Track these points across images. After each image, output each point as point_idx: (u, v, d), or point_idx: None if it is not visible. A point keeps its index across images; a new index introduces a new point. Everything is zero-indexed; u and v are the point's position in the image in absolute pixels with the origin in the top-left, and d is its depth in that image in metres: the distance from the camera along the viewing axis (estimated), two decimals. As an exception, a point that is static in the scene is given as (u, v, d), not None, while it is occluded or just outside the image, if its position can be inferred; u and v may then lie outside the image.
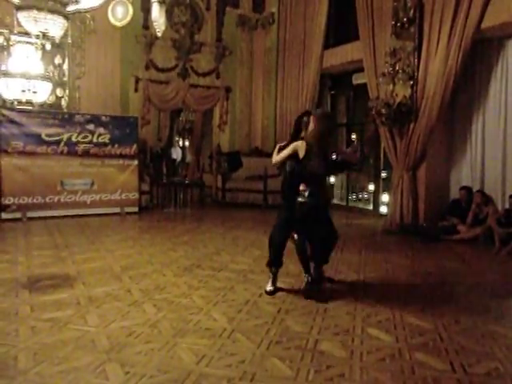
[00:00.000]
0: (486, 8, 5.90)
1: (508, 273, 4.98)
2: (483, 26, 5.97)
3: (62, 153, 7.52)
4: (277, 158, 3.89)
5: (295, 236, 3.99)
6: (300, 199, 3.76)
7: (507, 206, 6.09)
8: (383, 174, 8.61)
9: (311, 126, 3.77)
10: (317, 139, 3.69)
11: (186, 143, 14.54)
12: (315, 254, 3.88)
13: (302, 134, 3.93)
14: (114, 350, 2.71)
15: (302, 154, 3.68)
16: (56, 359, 2.58)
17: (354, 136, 9.83)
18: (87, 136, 7.70)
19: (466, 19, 6.05)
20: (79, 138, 7.64)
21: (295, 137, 3.96)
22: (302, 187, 3.78)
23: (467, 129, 6.91)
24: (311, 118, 3.82)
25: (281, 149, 3.88)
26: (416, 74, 6.66)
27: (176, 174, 11.81)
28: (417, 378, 2.48)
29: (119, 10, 5.57)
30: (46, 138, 7.38)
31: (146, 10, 8.21)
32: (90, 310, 3.37)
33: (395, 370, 2.56)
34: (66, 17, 4.29)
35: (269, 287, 3.91)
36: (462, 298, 3.95)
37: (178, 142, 14.84)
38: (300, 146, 3.70)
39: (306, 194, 3.73)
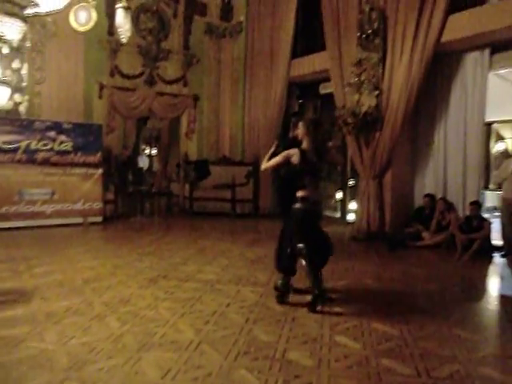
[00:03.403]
0: (444, 23, 6.15)
1: (469, 277, 5.13)
2: (443, 39, 6.21)
3: (20, 161, 7.20)
4: (266, 164, 3.87)
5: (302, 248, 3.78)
6: (300, 205, 3.73)
7: (468, 212, 6.30)
8: (350, 182, 8.74)
9: (301, 133, 3.79)
10: (312, 146, 3.72)
11: (153, 151, 14.33)
12: (316, 259, 3.79)
13: (290, 134, 4.02)
14: (74, 368, 2.57)
15: (296, 160, 3.68)
16: (9, 380, 2.42)
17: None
18: (48, 144, 7.41)
19: (426, 33, 6.27)
20: (39, 146, 7.34)
21: (283, 136, 3.99)
22: (300, 193, 3.75)
23: (430, 138, 7.13)
24: (300, 124, 3.84)
25: (273, 155, 3.87)
26: (381, 84, 6.83)
27: (142, 182, 11.56)
28: (384, 385, 2.48)
29: (82, 15, 5.44)
30: (3, 146, 7.05)
31: (111, 15, 8.06)
32: (47, 327, 3.19)
33: (362, 377, 2.57)
34: (24, 20, 4.13)
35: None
36: (426, 304, 4.02)
37: (144, 150, 14.60)
38: (294, 153, 3.70)
39: (310, 199, 3.72)
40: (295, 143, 3.84)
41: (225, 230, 7.77)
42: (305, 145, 3.76)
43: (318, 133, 3.79)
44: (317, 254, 3.78)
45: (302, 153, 3.70)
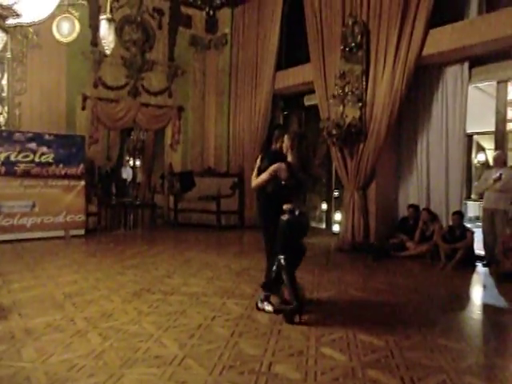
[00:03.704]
0: (425, 37, 6.28)
1: (453, 287, 5.17)
2: (424, 53, 6.34)
3: (-2, 173, 7.04)
4: (257, 181, 3.82)
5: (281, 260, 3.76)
6: (286, 217, 3.71)
7: (451, 222, 6.38)
8: (335, 193, 8.79)
9: (286, 146, 3.78)
10: (297, 160, 3.72)
11: (137, 163, 14.19)
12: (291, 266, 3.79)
13: (273, 147, 4.01)
14: (53, 387, 2.48)
15: (284, 176, 3.66)
16: (-16, 400, 2.32)
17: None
18: (28, 155, 7.26)
19: (408, 47, 6.40)
20: (19, 158, 7.18)
21: (266, 149, 4.00)
22: (286, 206, 3.73)
23: (413, 150, 7.23)
24: (285, 137, 3.84)
25: (260, 171, 3.84)
26: (364, 96, 6.92)
27: (126, 194, 11.44)
28: (372, 398, 2.46)
29: (65, 26, 5.39)
30: (-19, 158, 6.90)
31: (95, 26, 8.02)
32: (26, 344, 3.08)
33: (350, 390, 2.54)
34: (4, 30, 4.06)
35: (268, 308, 3.84)
36: (411, 314, 4.03)
37: (128, 161, 14.47)
38: (282, 167, 3.68)
39: (296, 211, 3.70)
40: (279, 156, 3.84)
41: (210, 242, 7.71)
42: (290, 158, 3.76)
43: (302, 146, 3.78)
44: (292, 262, 3.80)
45: (289, 167, 3.70)
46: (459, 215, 6.24)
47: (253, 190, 4.12)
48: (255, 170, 3.93)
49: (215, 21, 10.27)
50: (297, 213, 3.71)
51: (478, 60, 6.38)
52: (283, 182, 3.69)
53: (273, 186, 3.79)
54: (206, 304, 4.07)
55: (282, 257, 3.71)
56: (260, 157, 4.07)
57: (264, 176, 3.76)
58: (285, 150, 3.81)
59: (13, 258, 6.05)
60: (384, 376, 2.69)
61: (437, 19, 6.23)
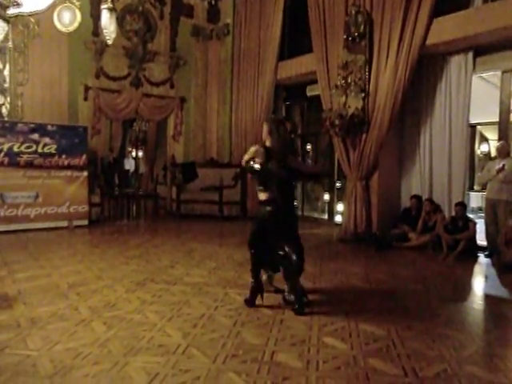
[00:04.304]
0: (429, 27, 6.22)
1: (455, 277, 5.19)
2: (428, 42, 6.29)
3: (2, 164, 7.06)
4: (245, 157, 3.83)
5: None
6: (262, 208, 3.74)
7: (454, 213, 6.37)
8: (338, 184, 8.78)
9: (264, 132, 3.79)
10: (275, 144, 3.71)
11: (140, 154, 14.21)
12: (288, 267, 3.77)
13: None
14: (59, 374, 2.51)
15: (260, 158, 3.66)
16: (-9, 388, 2.36)
17: (309, 147, 9.99)
18: (31, 146, 7.29)
19: (412, 36, 6.34)
20: (22, 148, 7.21)
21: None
22: (262, 196, 3.74)
23: (416, 140, 7.20)
24: (264, 124, 3.85)
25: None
26: (367, 86, 6.88)
27: (129, 185, 11.47)
28: (372, 386, 2.49)
29: (66, 15, 5.36)
30: (-16, 149, 6.93)
31: (96, 16, 7.97)
32: (31, 332, 3.12)
33: (350, 377, 2.57)
34: (6, 20, 4.05)
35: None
36: (413, 304, 4.05)
37: (131, 152, 14.49)
38: (257, 150, 3.69)
39: (267, 201, 3.70)
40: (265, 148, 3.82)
41: (212, 233, 7.74)
42: (268, 143, 3.75)
43: (280, 131, 3.75)
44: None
45: (267, 152, 3.68)
46: (462, 206, 6.23)
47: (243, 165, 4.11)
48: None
49: (217, 10, 10.19)
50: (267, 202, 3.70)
51: (483, 49, 6.31)
52: (258, 167, 3.66)
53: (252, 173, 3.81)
54: (209, 294, 4.10)
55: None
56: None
57: (246, 156, 3.78)
58: (264, 137, 3.81)
59: (17, 248, 6.09)
60: (385, 365, 2.72)
61: (441, 7, 6.16)
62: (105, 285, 4.34)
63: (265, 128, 3.81)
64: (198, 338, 3.07)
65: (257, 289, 3.82)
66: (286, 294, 3.83)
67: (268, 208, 3.72)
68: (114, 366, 2.64)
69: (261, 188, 3.76)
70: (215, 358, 2.77)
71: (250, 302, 3.78)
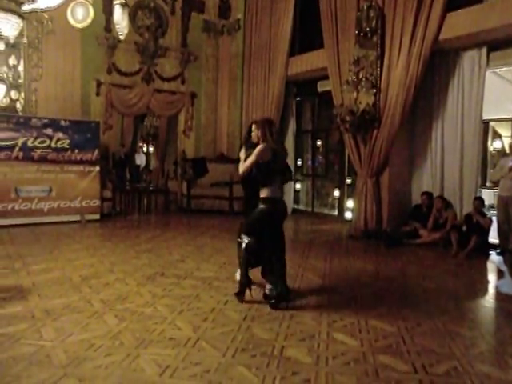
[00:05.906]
0: (442, 21, 6.15)
1: (465, 275, 5.15)
2: (441, 37, 6.22)
3: (16, 158, 7.17)
4: (245, 164, 3.78)
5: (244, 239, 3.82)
6: (263, 204, 3.73)
7: (465, 210, 6.30)
8: (348, 180, 8.75)
9: (256, 135, 3.77)
10: (272, 144, 3.70)
11: (151, 149, 14.31)
12: (277, 264, 3.80)
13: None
14: (72, 365, 2.57)
15: (267, 156, 3.65)
16: (8, 377, 2.42)
17: (319, 143, 9.97)
18: (45, 141, 7.38)
19: (424, 31, 6.28)
20: (36, 143, 7.31)
21: (246, 143, 4.00)
22: (264, 193, 3.74)
23: (427, 137, 7.13)
24: (253, 126, 3.85)
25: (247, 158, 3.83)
26: (379, 82, 6.83)
27: (140, 180, 11.56)
28: (381, 381, 2.50)
29: (79, 11, 5.40)
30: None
31: (108, 12, 8.03)
32: (45, 324, 3.19)
33: (360, 373, 2.57)
34: (21, 16, 4.11)
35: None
36: (423, 301, 4.04)
37: (142, 147, 14.59)
38: (266, 147, 3.66)
39: (267, 198, 3.71)
40: (256, 146, 3.80)
41: (222, 228, 7.77)
42: (261, 143, 3.73)
43: (273, 130, 3.75)
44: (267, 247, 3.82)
45: (272, 149, 3.69)
46: (480, 201, 6.15)
47: (239, 177, 4.10)
48: (242, 158, 3.88)
49: (228, 6, 10.18)
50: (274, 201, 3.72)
51: (497, 44, 6.21)
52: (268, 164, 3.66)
53: (256, 169, 3.77)
54: (219, 288, 4.14)
55: (247, 239, 3.76)
56: (244, 148, 4.01)
57: (251, 158, 3.70)
58: (255, 139, 3.77)
59: (31, 241, 6.20)
60: (395, 361, 2.72)
61: (454, 2, 6.08)
62: (116, 278, 4.40)
63: (255, 130, 3.79)
64: (209, 332, 3.11)
65: (248, 282, 3.82)
66: (268, 289, 3.82)
67: (269, 205, 3.72)
68: (126, 357, 2.68)
69: (262, 185, 3.76)
70: (225, 351, 2.80)
71: (241, 296, 3.77)
